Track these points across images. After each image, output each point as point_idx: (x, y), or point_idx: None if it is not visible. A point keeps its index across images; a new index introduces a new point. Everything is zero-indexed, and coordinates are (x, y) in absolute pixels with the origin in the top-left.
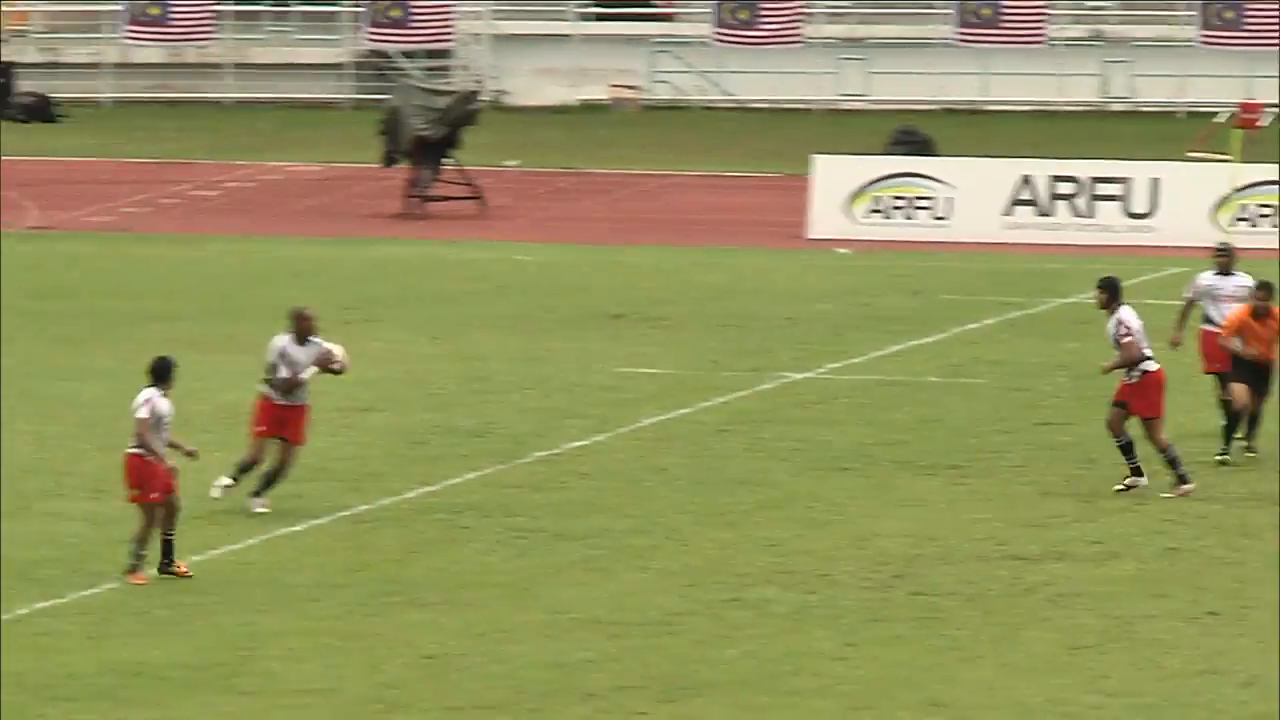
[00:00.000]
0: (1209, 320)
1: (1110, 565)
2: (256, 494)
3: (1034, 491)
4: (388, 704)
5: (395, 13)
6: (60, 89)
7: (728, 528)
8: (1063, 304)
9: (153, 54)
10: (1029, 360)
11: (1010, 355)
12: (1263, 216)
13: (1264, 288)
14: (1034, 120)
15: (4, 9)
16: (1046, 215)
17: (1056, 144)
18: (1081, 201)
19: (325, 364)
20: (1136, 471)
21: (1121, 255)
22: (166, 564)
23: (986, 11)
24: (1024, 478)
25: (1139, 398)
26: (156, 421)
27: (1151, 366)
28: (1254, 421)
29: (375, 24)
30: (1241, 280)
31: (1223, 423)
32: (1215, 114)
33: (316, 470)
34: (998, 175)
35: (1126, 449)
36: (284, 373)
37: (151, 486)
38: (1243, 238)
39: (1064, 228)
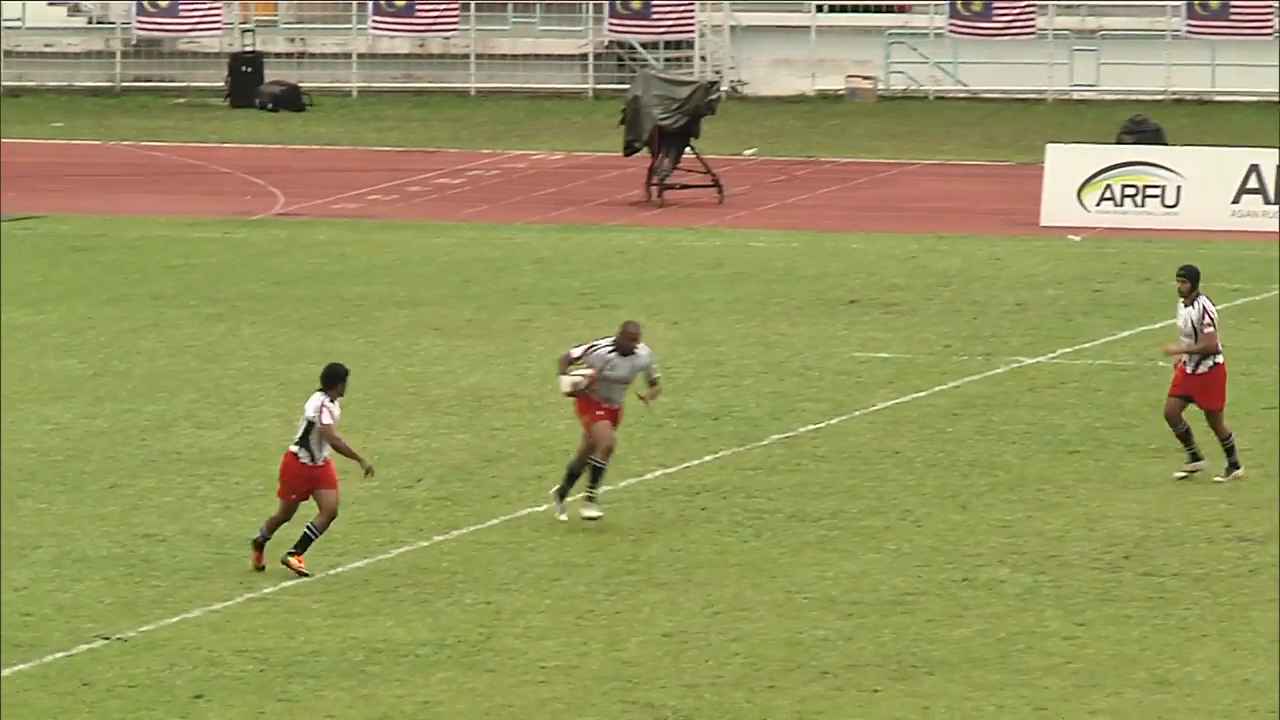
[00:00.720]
0: None
1: None
2: (588, 497)
3: (1261, 474)
4: (627, 681)
5: (636, 4)
6: (308, 78)
7: (960, 509)
8: None
9: (399, 44)
10: (1256, 345)
11: (1238, 341)
12: None
13: None
14: (1261, 110)
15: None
16: (1274, 204)
17: None
18: None
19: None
20: (1196, 457)
21: None
22: (291, 553)
23: (1215, 4)
24: (1251, 460)
25: (1207, 390)
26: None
27: (1220, 359)
28: None
29: (616, 15)
30: None
31: None
32: None
33: (556, 452)
34: (1226, 164)
35: (1186, 437)
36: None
37: (293, 487)
38: None
39: None
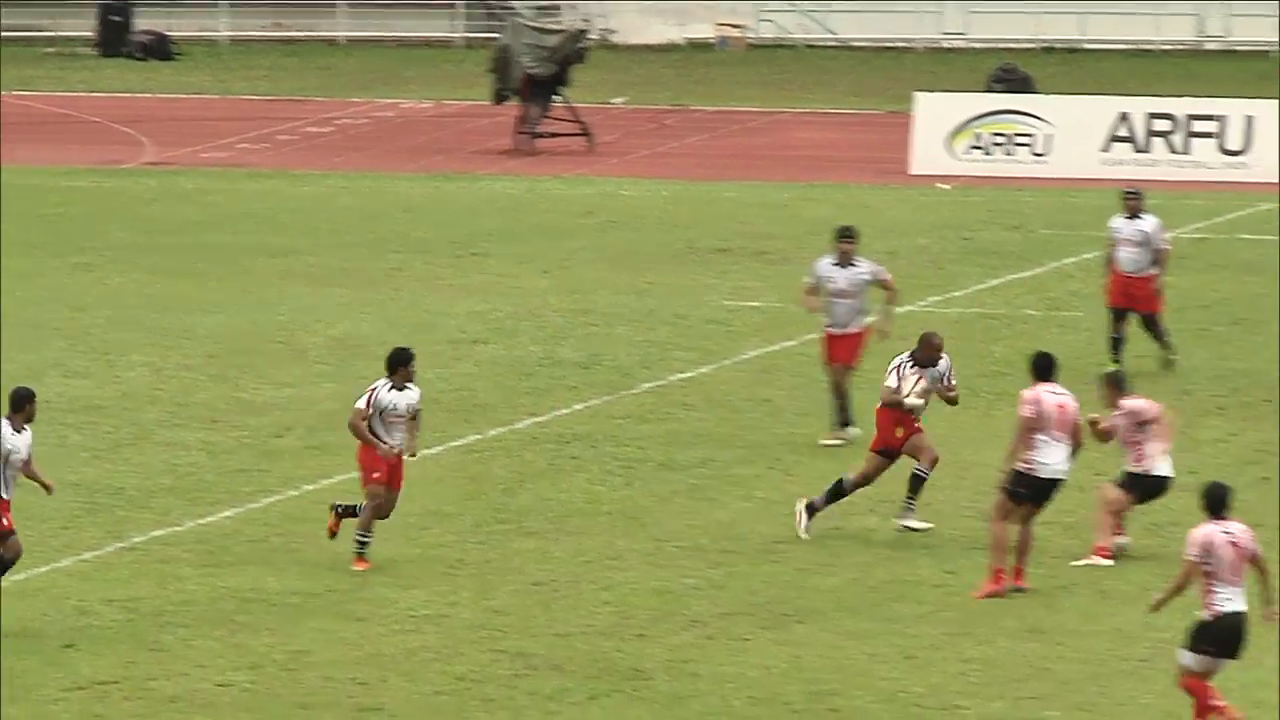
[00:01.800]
0: (1114, 261)
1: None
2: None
3: None
4: (497, 630)
5: None
6: (177, 27)
7: (830, 458)
8: None
9: None
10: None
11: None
12: None
13: None
14: (1131, 59)
15: None
16: (1143, 152)
17: (1153, 82)
18: (1177, 139)
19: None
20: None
21: (1216, 191)
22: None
23: None
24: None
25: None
26: (379, 412)
27: None
28: None
29: None
30: (1142, 224)
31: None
32: None
33: (427, 401)
34: (1096, 113)
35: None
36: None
37: (376, 468)
38: None
39: (1160, 164)
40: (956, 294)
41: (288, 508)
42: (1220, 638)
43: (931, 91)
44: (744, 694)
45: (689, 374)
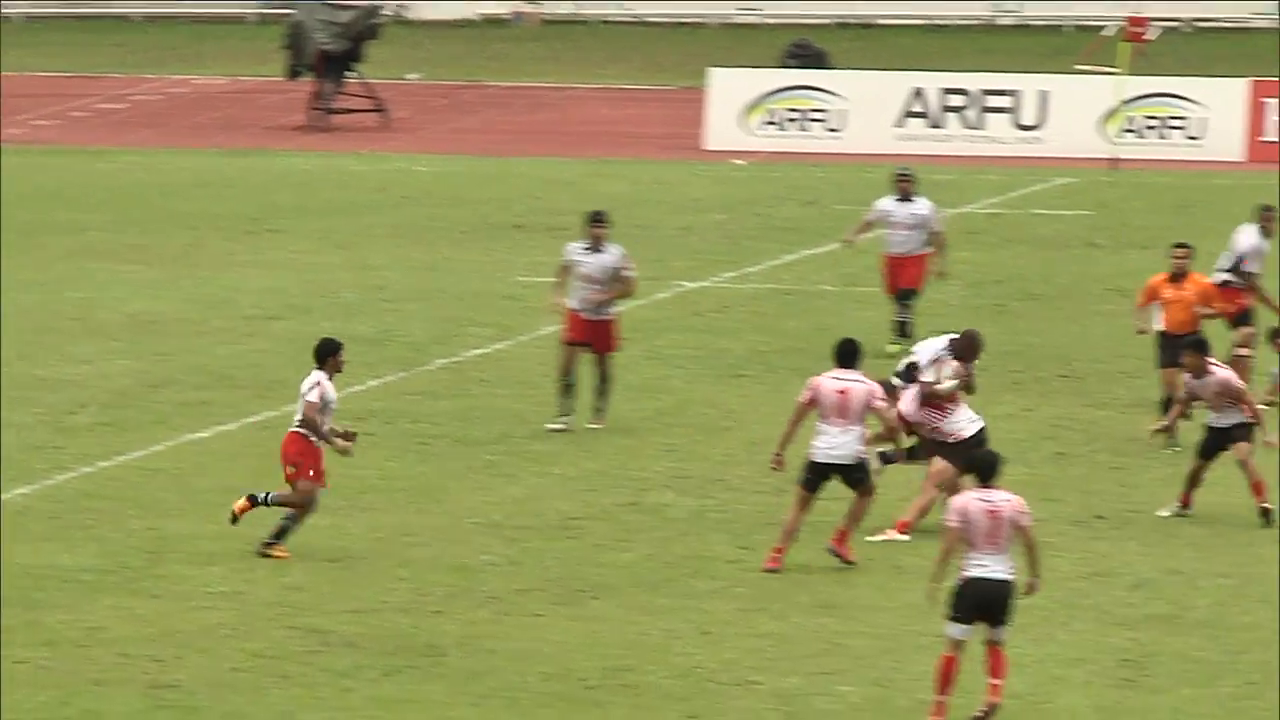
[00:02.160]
0: (887, 243)
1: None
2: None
3: None
4: (293, 607)
5: None
6: None
7: (626, 434)
8: (953, 214)
9: None
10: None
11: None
12: (1149, 129)
13: (1182, 245)
14: (925, 34)
15: None
16: (937, 127)
17: (947, 57)
18: (971, 114)
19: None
20: None
21: (1010, 167)
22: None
23: None
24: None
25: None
26: (324, 406)
27: None
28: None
29: None
30: (916, 208)
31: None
32: (1103, 27)
33: (221, 377)
34: (890, 88)
35: None
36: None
37: (309, 466)
38: (1129, 149)
39: (954, 139)
40: (752, 270)
41: (83, 484)
42: (964, 603)
43: (726, 67)
44: (539, 670)
45: (484, 350)
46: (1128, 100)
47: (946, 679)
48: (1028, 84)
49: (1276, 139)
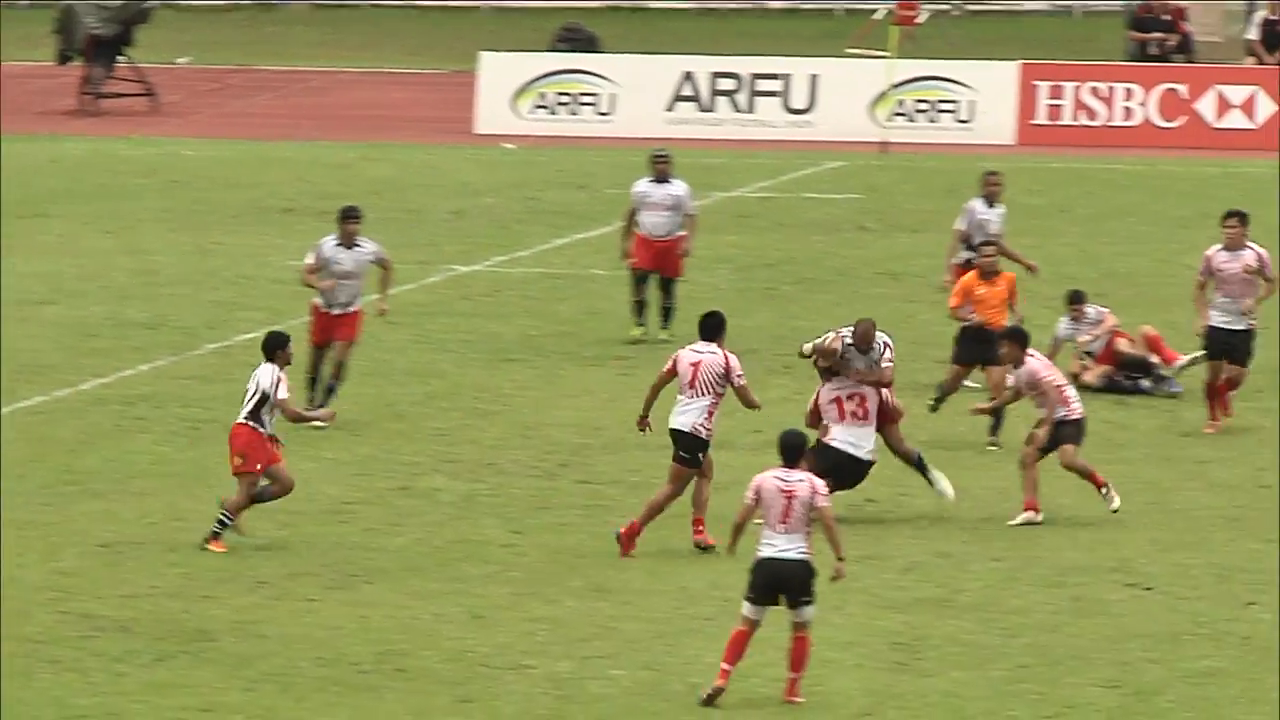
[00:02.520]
0: (640, 226)
1: (770, 454)
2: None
3: None
4: (64, 591)
5: None
6: None
7: (397, 418)
8: (724, 198)
9: None
10: (691, 253)
11: None
12: (919, 112)
13: (989, 244)
14: (697, 18)
15: None
16: (708, 111)
17: (718, 41)
18: (742, 97)
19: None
20: None
21: (781, 150)
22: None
23: None
24: None
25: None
26: (266, 399)
27: None
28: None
29: None
30: (673, 189)
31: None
32: (874, 11)
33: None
34: (660, 72)
35: None
36: None
37: (257, 458)
38: (900, 133)
39: (725, 123)
40: (522, 254)
41: None
42: (756, 583)
43: (496, 51)
44: (311, 655)
45: (254, 334)
46: (898, 84)
47: (732, 648)
48: (798, 67)
49: (1047, 122)
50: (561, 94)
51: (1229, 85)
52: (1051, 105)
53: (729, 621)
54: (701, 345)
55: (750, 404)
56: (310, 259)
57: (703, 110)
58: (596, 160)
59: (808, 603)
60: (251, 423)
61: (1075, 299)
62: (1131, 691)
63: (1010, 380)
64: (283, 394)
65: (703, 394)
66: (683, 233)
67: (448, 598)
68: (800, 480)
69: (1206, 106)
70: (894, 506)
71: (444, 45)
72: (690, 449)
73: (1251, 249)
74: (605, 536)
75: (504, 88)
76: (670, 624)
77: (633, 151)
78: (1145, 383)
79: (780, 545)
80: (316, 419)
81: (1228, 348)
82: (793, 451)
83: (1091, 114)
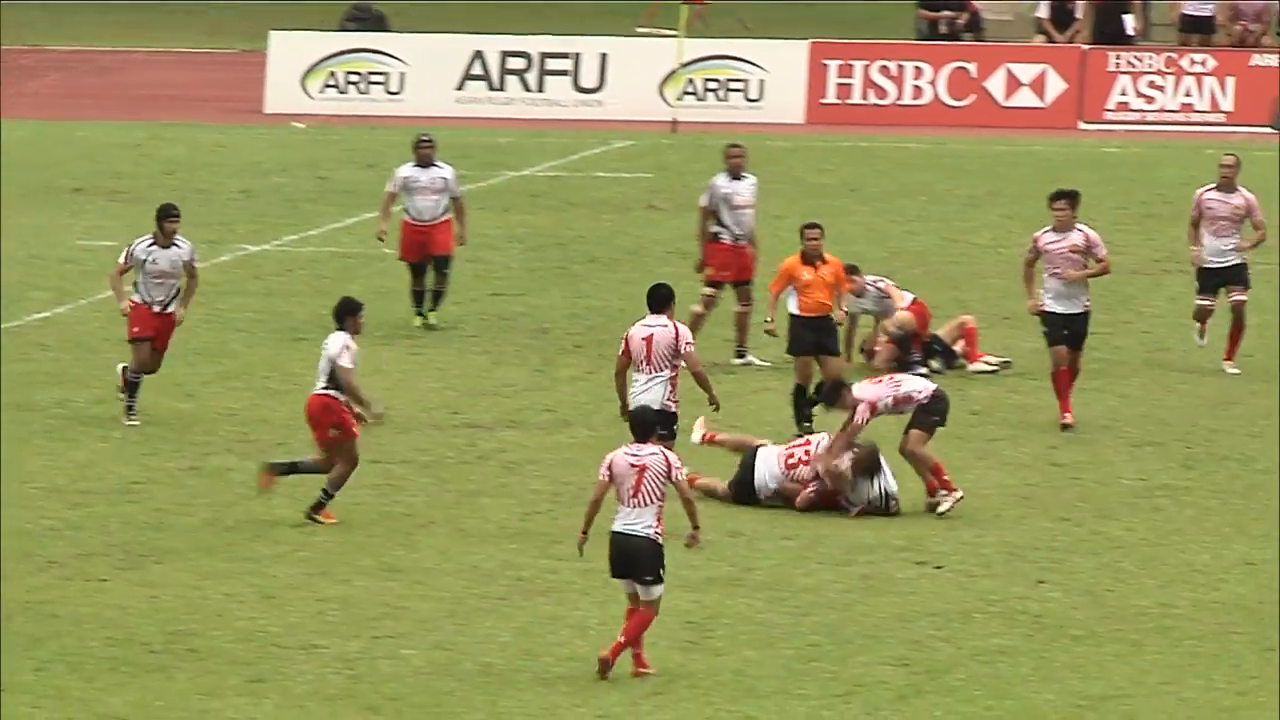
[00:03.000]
0: (407, 211)
1: (563, 433)
2: None
3: (488, 361)
4: None
5: None
6: None
7: (187, 398)
8: (514, 177)
9: None
10: (482, 232)
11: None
12: (709, 91)
13: (813, 226)
14: None
15: None
16: (498, 90)
17: (508, 20)
18: (531, 77)
19: None
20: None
21: (571, 129)
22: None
23: None
24: (478, 348)
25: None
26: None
27: None
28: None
29: None
30: (439, 172)
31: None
32: None
33: None
34: (450, 51)
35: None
36: None
37: (329, 421)
38: (689, 111)
39: (515, 102)
40: (312, 233)
41: None
42: (610, 557)
43: (286, 30)
44: (102, 635)
45: (45, 314)
46: (687, 63)
47: (628, 629)
48: (587, 47)
49: (836, 101)
50: (351, 73)
51: (1019, 64)
52: (841, 84)
53: (521, 600)
54: (651, 319)
55: (697, 373)
56: (120, 259)
57: (493, 89)
58: (386, 140)
59: (653, 582)
60: (332, 391)
61: (848, 270)
62: (922, 669)
63: (859, 419)
64: (345, 362)
65: (660, 368)
66: (448, 216)
67: (239, 578)
68: (652, 454)
69: (996, 85)
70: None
71: (234, 25)
72: (665, 424)
73: (1080, 230)
74: (396, 516)
75: (294, 67)
76: (462, 603)
77: (422, 131)
78: (934, 363)
79: (629, 519)
80: (368, 409)
81: (1067, 333)
82: (644, 427)
83: (881, 93)
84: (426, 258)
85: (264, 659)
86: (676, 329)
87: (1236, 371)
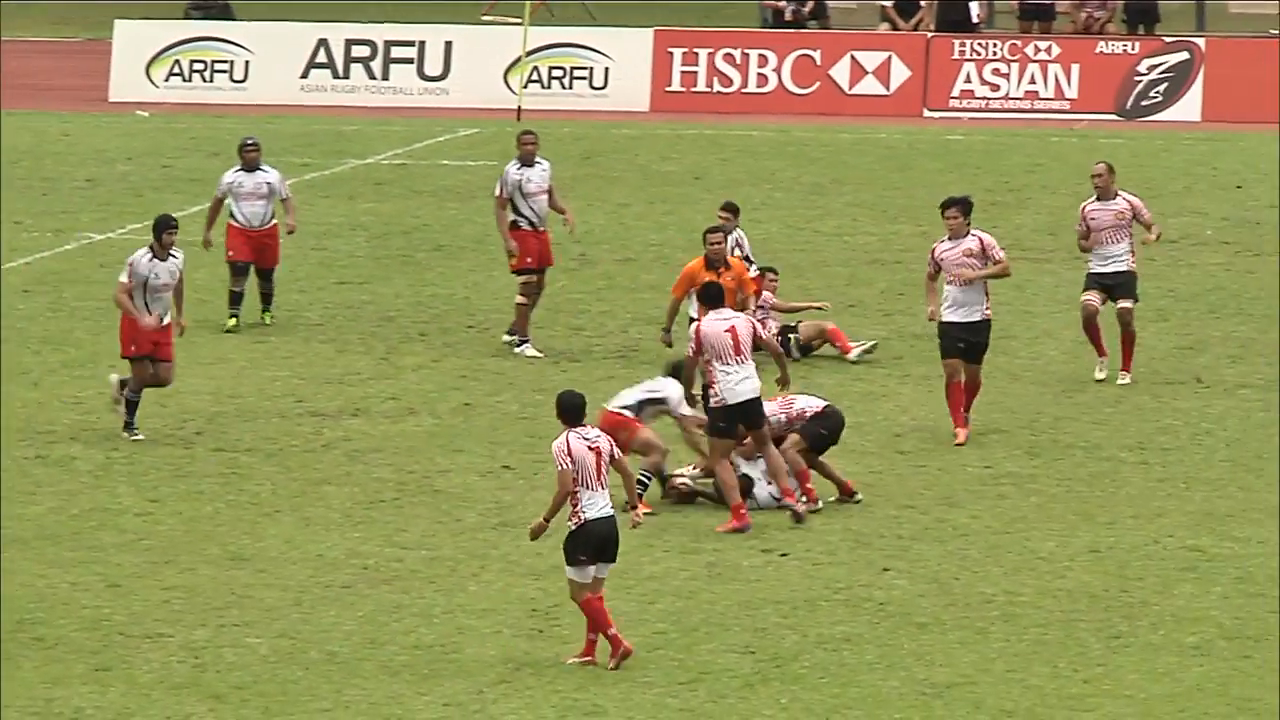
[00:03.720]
0: (234, 217)
1: (407, 421)
2: None
3: (332, 349)
4: None
5: None
6: None
7: (32, 386)
8: (358, 165)
9: None
10: (327, 221)
11: (309, 216)
12: (554, 79)
13: (717, 230)
14: None
15: None
16: (342, 78)
17: (352, 9)
18: (376, 64)
19: None
20: None
21: (416, 117)
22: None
23: None
24: (322, 336)
25: None
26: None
27: None
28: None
29: None
30: (265, 176)
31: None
32: None
33: None
34: (295, 39)
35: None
36: None
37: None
38: (534, 100)
39: (359, 90)
40: None
41: None
42: (592, 544)
43: (131, 19)
44: None
45: None
46: (532, 51)
47: (595, 617)
48: (432, 35)
49: (681, 89)
50: (195, 61)
51: (863, 51)
52: (685, 72)
53: (366, 589)
54: (714, 314)
55: (779, 355)
56: (124, 278)
57: (337, 77)
58: (231, 128)
59: (613, 561)
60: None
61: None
62: (767, 657)
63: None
64: (684, 410)
65: (750, 356)
66: (275, 221)
67: (84, 566)
68: (599, 436)
69: (841, 73)
70: (530, 474)
71: (79, 14)
72: (762, 413)
73: (975, 235)
74: (241, 505)
75: (138, 55)
76: (307, 592)
77: (268, 119)
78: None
79: (600, 503)
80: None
81: (963, 345)
82: (575, 410)
83: (726, 80)
84: (253, 262)
85: (109, 647)
86: (748, 318)
87: (1127, 382)
